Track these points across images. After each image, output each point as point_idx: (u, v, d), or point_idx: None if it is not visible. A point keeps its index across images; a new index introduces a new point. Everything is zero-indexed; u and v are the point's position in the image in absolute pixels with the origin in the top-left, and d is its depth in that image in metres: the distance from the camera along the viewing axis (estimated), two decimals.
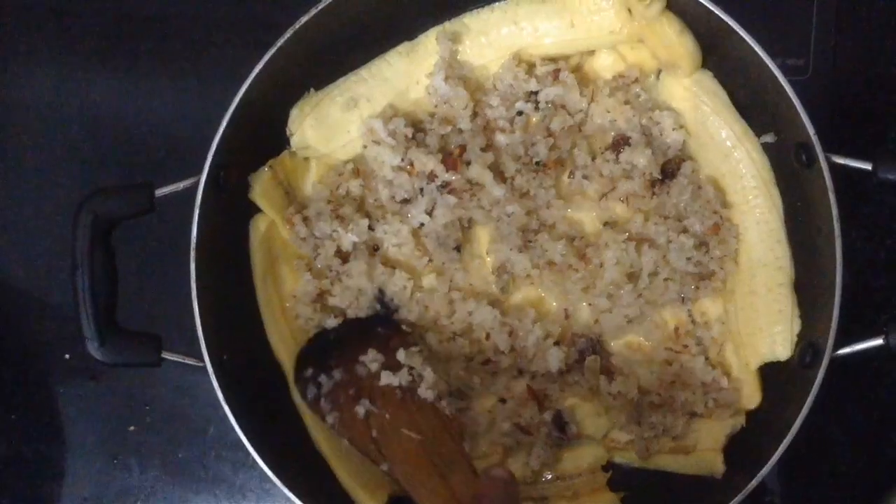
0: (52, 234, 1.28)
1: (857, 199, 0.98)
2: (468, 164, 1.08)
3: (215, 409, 1.20)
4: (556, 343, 1.08)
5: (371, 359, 1.03)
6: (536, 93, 1.09)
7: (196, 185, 1.01)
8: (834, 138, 0.98)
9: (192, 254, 1.00)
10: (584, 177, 1.09)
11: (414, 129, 1.09)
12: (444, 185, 1.07)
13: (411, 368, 1.03)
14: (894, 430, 1.14)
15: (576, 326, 1.10)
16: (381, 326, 1.07)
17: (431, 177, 1.07)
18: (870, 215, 1.14)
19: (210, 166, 1.01)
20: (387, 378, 1.02)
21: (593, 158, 1.10)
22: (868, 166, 0.96)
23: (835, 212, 0.95)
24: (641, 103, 1.09)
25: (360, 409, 1.01)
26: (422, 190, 1.08)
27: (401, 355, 1.03)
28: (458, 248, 1.10)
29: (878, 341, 0.95)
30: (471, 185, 1.08)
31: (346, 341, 1.06)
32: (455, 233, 1.08)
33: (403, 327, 1.08)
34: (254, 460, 1.00)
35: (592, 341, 1.10)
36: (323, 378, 1.04)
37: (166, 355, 1.01)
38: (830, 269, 0.96)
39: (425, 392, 1.02)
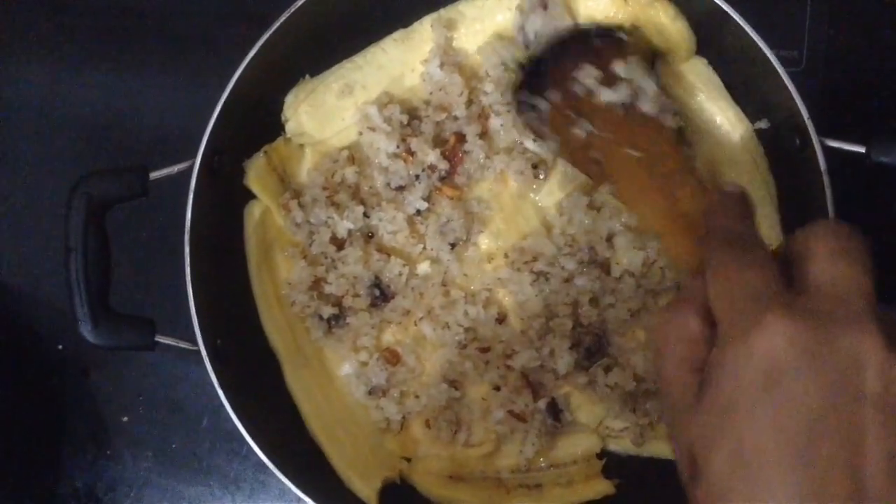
0: (43, 226, 1.27)
1: (851, 184, 0.98)
2: (467, 152, 1.08)
3: (209, 399, 1.21)
4: (571, 347, 1.07)
5: (586, 74, 0.96)
6: None
7: (190, 168, 1.01)
8: (827, 124, 0.98)
9: (187, 237, 1.00)
10: None
11: (409, 116, 1.09)
12: (443, 178, 1.08)
13: (630, 82, 0.96)
14: None
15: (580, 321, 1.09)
16: (597, 37, 1.00)
17: (432, 169, 1.07)
18: (863, 200, 1.14)
19: (204, 151, 1.01)
20: (605, 95, 0.95)
21: None
22: (862, 149, 0.96)
23: (829, 194, 0.95)
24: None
25: (580, 131, 0.96)
26: (417, 177, 1.08)
27: (619, 68, 0.96)
28: (453, 245, 1.10)
29: None
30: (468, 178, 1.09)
31: (561, 57, 0.99)
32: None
33: (620, 35, 1.01)
34: (248, 451, 1.00)
35: (599, 337, 1.08)
36: (539, 100, 0.98)
37: (160, 339, 1.01)
38: None
39: (647, 106, 0.95)
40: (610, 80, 0.96)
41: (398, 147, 1.07)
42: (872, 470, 0.56)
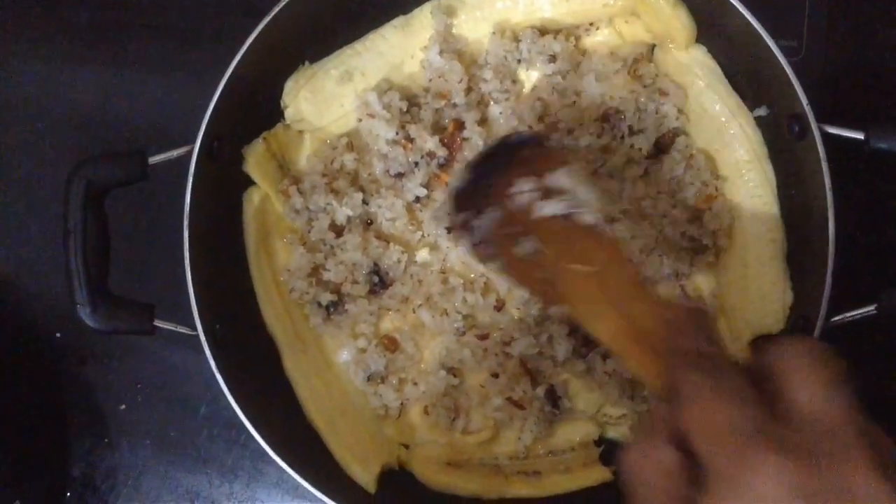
0: (41, 216, 1.28)
1: (849, 171, 0.98)
2: (466, 139, 1.08)
3: (207, 387, 1.22)
4: (569, 334, 1.07)
5: (521, 189, 0.88)
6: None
7: (189, 154, 1.00)
8: (826, 111, 0.98)
9: (186, 222, 1.00)
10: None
11: (408, 103, 1.09)
12: (441, 166, 1.08)
13: (565, 192, 0.87)
14: (887, 397, 1.14)
15: None
16: (528, 148, 0.93)
17: (431, 155, 1.07)
18: (862, 186, 1.14)
19: (203, 136, 1.00)
20: (541, 209, 0.86)
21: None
22: (860, 136, 0.96)
23: (827, 181, 0.95)
24: (636, 77, 1.09)
25: (522, 249, 0.87)
26: (416, 164, 1.08)
27: (553, 179, 0.87)
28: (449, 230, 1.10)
29: (871, 308, 0.95)
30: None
31: (495, 173, 0.92)
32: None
33: (553, 143, 0.95)
34: (246, 439, 0.99)
35: None
36: (476, 221, 0.91)
37: (159, 323, 1.00)
38: (822, 238, 0.96)
39: (586, 217, 0.85)
40: (547, 192, 0.87)
41: (397, 134, 1.07)
42: None
